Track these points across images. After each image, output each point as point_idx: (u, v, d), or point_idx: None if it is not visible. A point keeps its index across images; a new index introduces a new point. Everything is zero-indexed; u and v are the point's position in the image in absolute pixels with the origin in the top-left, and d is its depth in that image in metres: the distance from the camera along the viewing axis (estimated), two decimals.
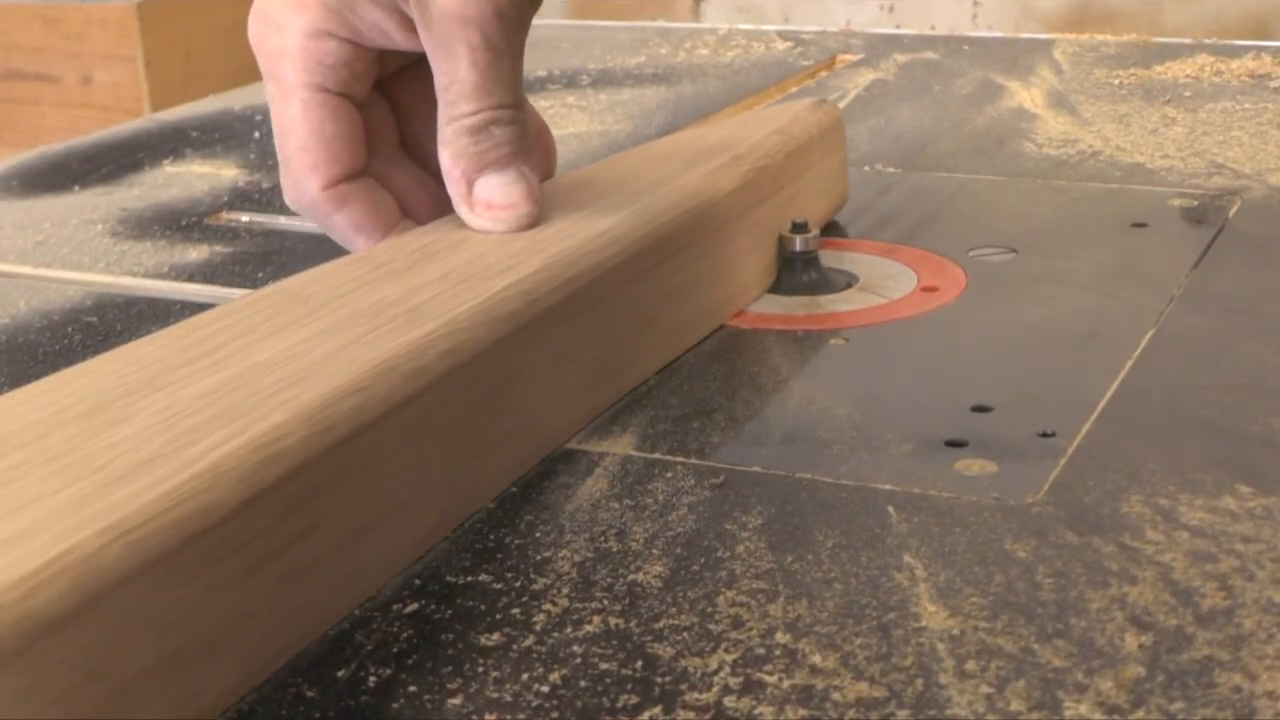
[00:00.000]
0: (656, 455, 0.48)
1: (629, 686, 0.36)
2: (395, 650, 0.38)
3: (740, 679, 0.36)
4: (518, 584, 0.41)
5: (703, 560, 0.41)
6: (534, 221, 0.52)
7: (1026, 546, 0.41)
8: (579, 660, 0.37)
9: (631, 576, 0.41)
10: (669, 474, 0.46)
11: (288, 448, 0.37)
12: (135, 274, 0.69)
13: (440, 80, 0.52)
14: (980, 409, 0.50)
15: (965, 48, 1.08)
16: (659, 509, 0.44)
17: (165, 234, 0.75)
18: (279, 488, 0.37)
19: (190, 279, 0.68)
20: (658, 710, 0.35)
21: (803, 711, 0.35)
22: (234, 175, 0.85)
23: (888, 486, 0.45)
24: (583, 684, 0.36)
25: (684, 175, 0.58)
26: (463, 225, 0.53)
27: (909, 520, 0.43)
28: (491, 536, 0.43)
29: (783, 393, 0.52)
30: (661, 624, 0.38)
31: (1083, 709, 0.34)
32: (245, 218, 0.77)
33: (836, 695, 0.35)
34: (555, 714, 0.35)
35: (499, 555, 0.42)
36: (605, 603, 0.40)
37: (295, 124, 0.53)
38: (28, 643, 0.30)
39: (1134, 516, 0.42)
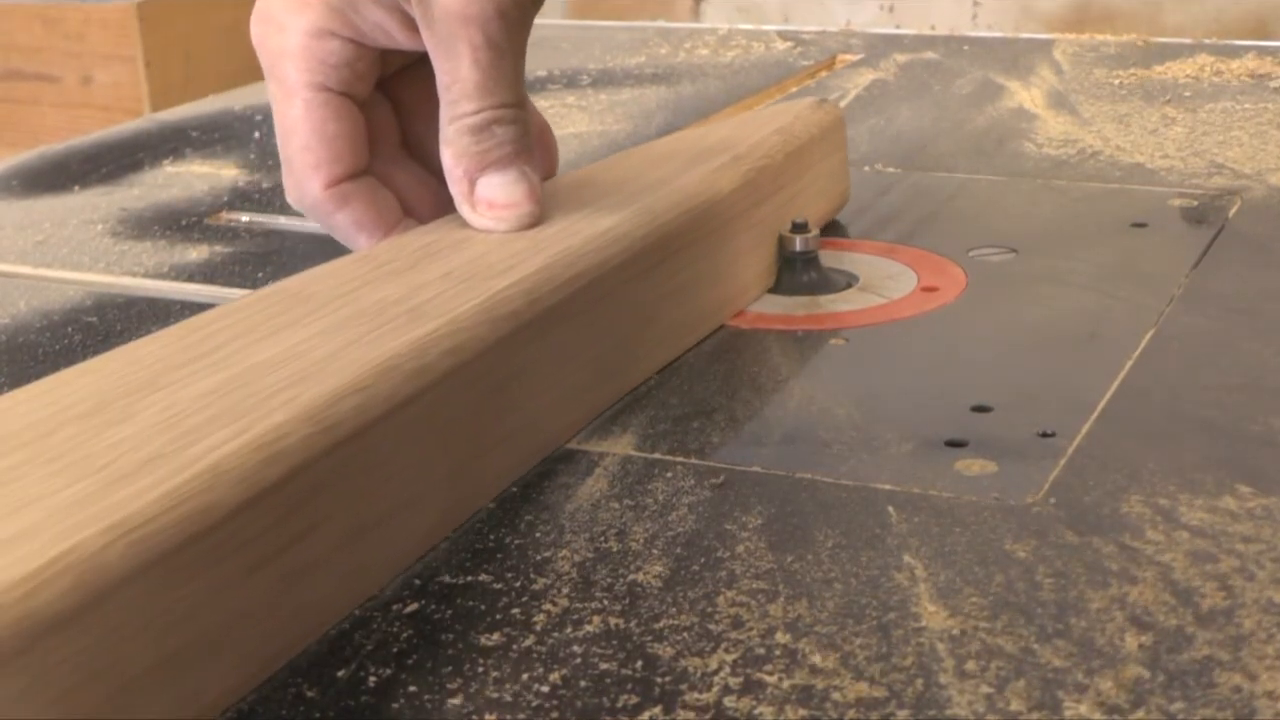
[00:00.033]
0: (656, 455, 0.48)
1: (629, 686, 0.36)
2: (395, 650, 0.38)
3: (740, 679, 0.36)
4: (518, 584, 0.41)
5: (703, 560, 0.41)
6: (536, 221, 0.52)
7: (1026, 546, 0.41)
8: (579, 660, 0.37)
9: (631, 576, 0.41)
10: (669, 474, 0.46)
11: (289, 447, 0.37)
12: (135, 274, 0.69)
13: (442, 79, 0.52)
14: (980, 409, 0.50)
15: (965, 48, 1.08)
16: (659, 509, 0.44)
17: (165, 234, 0.75)
18: (280, 487, 0.37)
19: (190, 279, 0.68)
20: (658, 710, 0.35)
21: (803, 711, 0.35)
22: (234, 175, 0.85)
23: (888, 486, 0.45)
24: (583, 684, 0.36)
25: (685, 175, 0.58)
26: (464, 224, 0.53)
27: (909, 520, 0.43)
28: (491, 536, 0.43)
29: (783, 393, 0.52)
30: (661, 624, 0.38)
31: (1083, 709, 0.34)
32: (245, 218, 0.77)
33: (836, 695, 0.35)
34: (555, 714, 0.35)
35: (499, 555, 0.42)
36: (605, 603, 0.40)
37: (298, 123, 0.54)
38: (29, 642, 0.30)
39: (1134, 516, 0.42)
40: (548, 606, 0.39)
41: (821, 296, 0.60)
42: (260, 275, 0.68)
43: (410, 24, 0.52)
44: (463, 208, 0.53)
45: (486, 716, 0.35)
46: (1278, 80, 0.94)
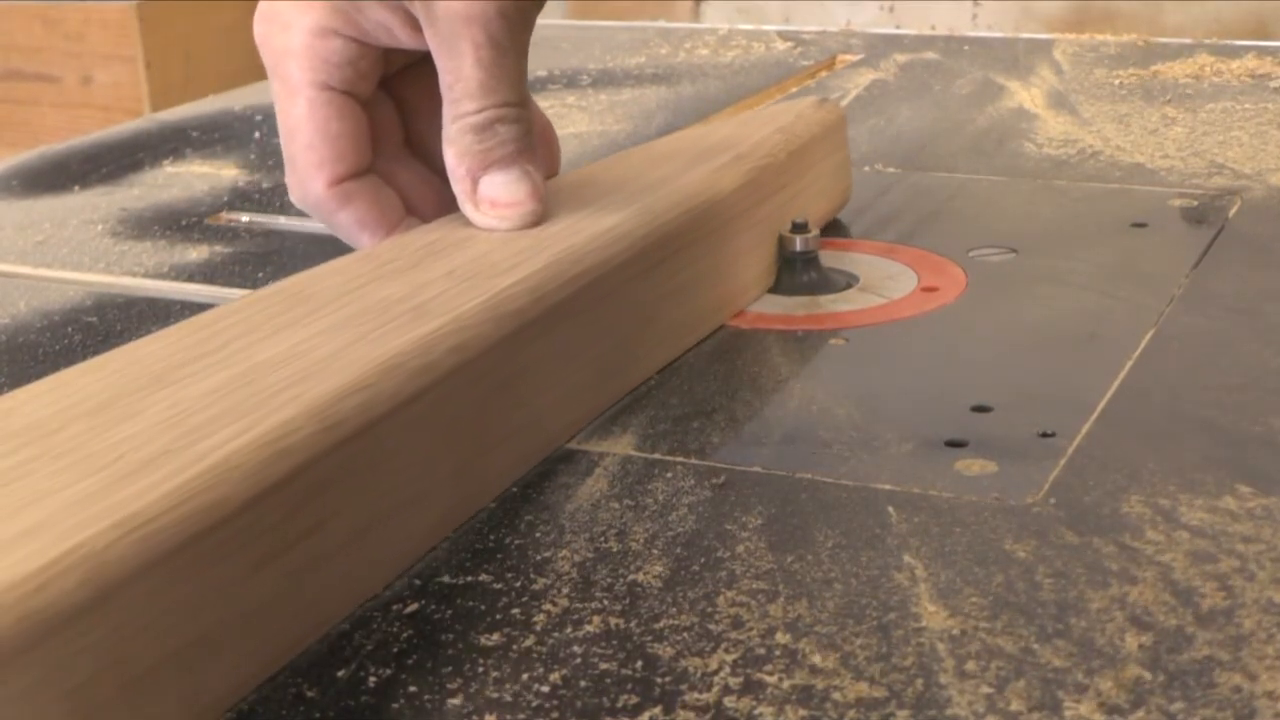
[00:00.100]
0: (656, 455, 0.48)
1: (629, 686, 0.36)
2: (395, 650, 0.38)
3: (740, 679, 0.36)
4: (518, 584, 0.41)
5: (703, 560, 0.41)
6: (538, 219, 0.52)
7: (1026, 546, 0.41)
8: (579, 660, 0.37)
9: (631, 576, 0.41)
10: (669, 474, 0.47)
11: (295, 444, 0.37)
12: (135, 274, 0.69)
13: (445, 78, 0.52)
14: (980, 409, 0.50)
15: (965, 48, 1.08)
16: (659, 509, 0.44)
17: (165, 234, 0.75)
18: (287, 483, 0.37)
19: (190, 279, 0.68)
20: (658, 710, 0.35)
21: (803, 711, 0.35)
22: (234, 175, 0.85)
23: (888, 486, 0.45)
24: (583, 684, 0.36)
25: (687, 174, 0.58)
26: (467, 223, 0.53)
27: (909, 520, 0.43)
28: (491, 536, 0.43)
29: (783, 393, 0.52)
30: (661, 624, 0.39)
31: (1083, 709, 0.34)
32: (245, 218, 0.78)
33: (836, 695, 0.35)
34: (555, 714, 0.35)
35: (499, 555, 0.42)
36: (605, 603, 0.40)
37: (301, 122, 0.54)
38: (35, 639, 0.30)
39: (1134, 516, 0.43)
40: (548, 606, 0.40)
41: (821, 296, 0.60)
42: (260, 275, 0.68)
43: (413, 23, 0.52)
44: (465, 206, 0.53)
45: (486, 716, 0.35)
46: (1278, 80, 0.94)
